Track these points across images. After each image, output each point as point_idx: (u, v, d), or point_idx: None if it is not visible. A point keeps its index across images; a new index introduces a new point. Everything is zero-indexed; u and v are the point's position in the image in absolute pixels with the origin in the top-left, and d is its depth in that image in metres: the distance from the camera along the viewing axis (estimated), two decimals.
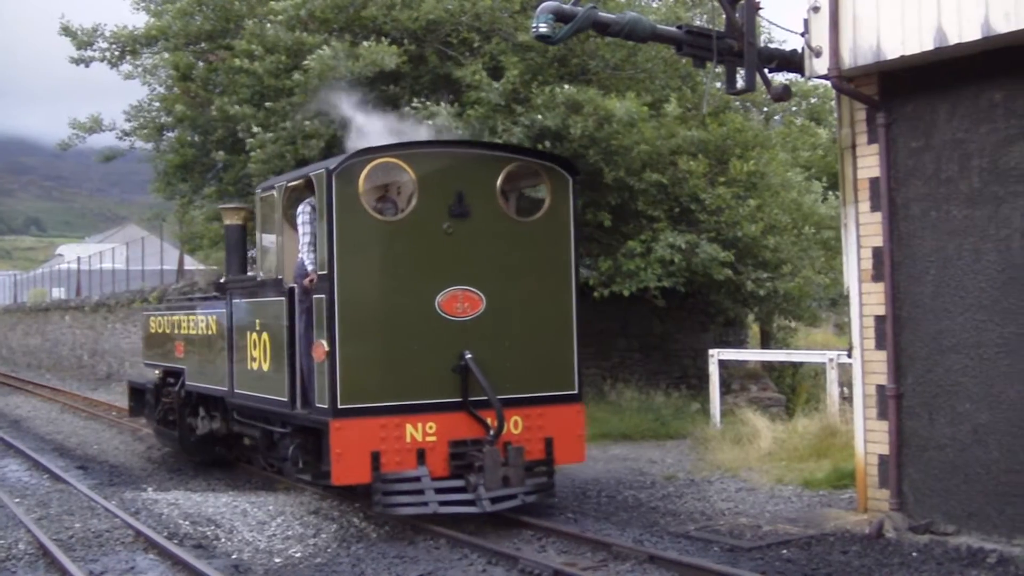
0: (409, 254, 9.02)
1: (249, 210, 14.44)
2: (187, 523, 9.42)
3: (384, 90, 14.42)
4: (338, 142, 13.36)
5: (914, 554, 7.79)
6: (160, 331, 13.75)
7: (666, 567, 7.60)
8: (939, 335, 8.22)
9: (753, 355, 16.92)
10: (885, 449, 8.56)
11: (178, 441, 13.14)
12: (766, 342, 20.72)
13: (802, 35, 8.79)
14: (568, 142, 13.82)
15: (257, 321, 10.22)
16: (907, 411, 8.44)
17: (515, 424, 9.27)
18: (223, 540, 8.89)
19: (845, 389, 11.95)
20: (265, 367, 10.05)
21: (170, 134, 18.62)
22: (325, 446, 9.15)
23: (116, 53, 18.02)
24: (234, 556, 8.40)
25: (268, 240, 10.24)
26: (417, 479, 8.86)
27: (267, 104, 14.61)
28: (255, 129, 14.46)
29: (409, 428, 8.92)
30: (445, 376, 9.06)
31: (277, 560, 8.29)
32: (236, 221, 13.81)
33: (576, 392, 9.66)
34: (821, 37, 8.54)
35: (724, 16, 8.74)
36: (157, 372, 14.12)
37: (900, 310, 8.48)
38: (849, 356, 9.08)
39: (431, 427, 8.99)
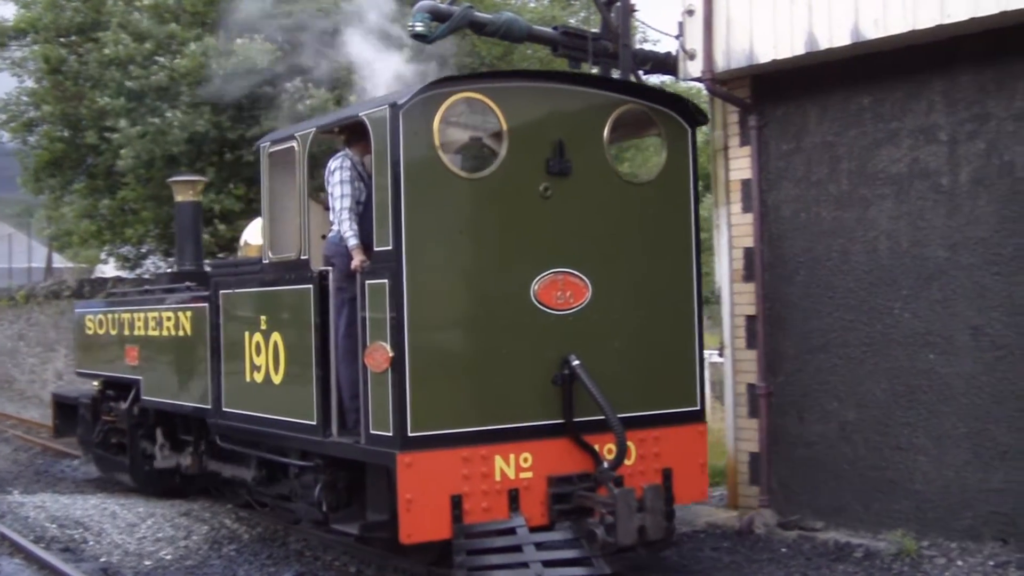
0: (498, 224, 6.65)
1: (205, 183, 11.96)
2: (55, 526, 9.19)
3: (260, 89, 14.00)
4: (204, 137, 13.52)
5: (783, 549, 7.86)
6: (102, 332, 10.97)
7: None
8: (808, 335, 8.39)
9: None
10: (756, 447, 8.74)
11: (128, 470, 10.42)
12: None
13: (676, 37, 8.90)
14: None
15: (263, 318, 7.67)
16: (777, 409, 8.60)
17: (627, 452, 6.98)
18: (92, 543, 8.74)
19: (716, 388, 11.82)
20: (276, 378, 7.52)
21: (40, 128, 17.73)
22: (373, 488, 6.79)
23: None
24: (103, 559, 8.27)
25: (280, 209, 7.70)
26: (512, 531, 6.50)
27: (128, 83, 14.35)
28: (122, 123, 14.14)
29: (499, 461, 6.54)
30: (542, 389, 6.72)
31: (147, 563, 8.17)
32: (189, 197, 11.34)
33: (699, 408, 7.41)
34: (695, 40, 8.64)
35: (600, 17, 8.82)
36: (96, 384, 11.34)
37: (771, 310, 8.62)
38: (720, 355, 9.20)
39: (526, 459, 6.63)
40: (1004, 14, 6.92)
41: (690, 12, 8.64)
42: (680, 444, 7.20)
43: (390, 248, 6.31)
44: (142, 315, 9.92)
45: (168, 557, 8.32)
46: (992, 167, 7.39)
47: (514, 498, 6.56)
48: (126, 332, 10.28)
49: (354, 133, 7.30)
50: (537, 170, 6.73)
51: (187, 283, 9.51)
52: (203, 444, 9.43)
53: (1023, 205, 7.24)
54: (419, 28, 6.91)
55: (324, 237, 7.42)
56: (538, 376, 6.71)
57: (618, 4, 8.95)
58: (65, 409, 12.26)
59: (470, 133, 7.44)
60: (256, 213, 14.44)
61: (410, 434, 6.27)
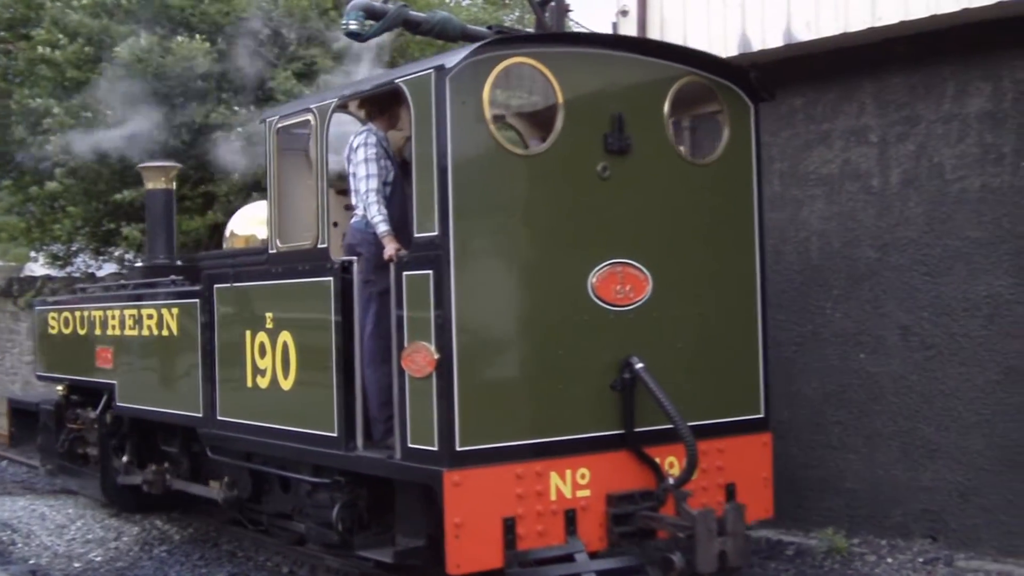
0: (553, 208, 5.84)
1: (179, 169, 10.98)
2: None
3: (193, 84, 13.47)
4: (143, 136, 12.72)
5: None
6: (68, 332, 9.93)
7: None
8: None
9: None
10: None
11: (99, 484, 9.41)
12: None
13: None
14: None
15: (269, 315, 6.77)
16: None
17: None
18: (20, 545, 8.68)
19: None
20: (285, 384, 6.62)
21: None
22: (404, 509, 5.98)
23: None
24: (32, 561, 8.20)
25: (290, 192, 6.81)
26: (570, 558, 5.69)
27: (67, 81, 13.83)
28: (55, 110, 13.50)
29: (554, 479, 5.72)
30: (599, 396, 5.92)
31: (76, 565, 8.10)
32: (161, 185, 10.36)
33: (763, 416, 6.67)
34: None
35: (535, 17, 8.58)
36: (60, 388, 10.29)
37: None
38: None
39: (583, 475, 5.83)
40: (933, 17, 6.99)
41: (624, 13, 8.73)
42: (744, 456, 6.45)
43: (435, 235, 5.46)
44: (117, 312, 8.92)
45: (98, 559, 8.28)
46: (922, 169, 7.49)
47: (571, 520, 5.75)
48: (97, 332, 9.26)
49: (374, 105, 6.45)
50: (594, 147, 5.93)
51: (172, 277, 8.54)
52: (186, 458, 8.50)
53: (952, 207, 7.33)
54: (353, 26, 6.78)
55: (335, 224, 6.58)
56: (595, 381, 5.91)
57: (552, 4, 8.64)
58: (22, 416, 11.18)
59: (516, 104, 6.62)
60: (187, 210, 14.26)
61: (458, 448, 5.43)
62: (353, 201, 6.30)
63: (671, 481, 5.96)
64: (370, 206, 6.03)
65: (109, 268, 17.53)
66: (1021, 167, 7.05)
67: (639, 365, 5.89)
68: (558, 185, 5.82)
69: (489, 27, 7.46)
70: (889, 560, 7.23)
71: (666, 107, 6.22)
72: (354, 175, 6.22)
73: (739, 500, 6.35)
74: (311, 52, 13.61)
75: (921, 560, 7.17)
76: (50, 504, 9.89)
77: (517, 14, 18.32)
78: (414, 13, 7.01)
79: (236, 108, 12.99)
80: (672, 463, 6.12)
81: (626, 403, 5.94)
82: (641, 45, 6.10)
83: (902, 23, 7.15)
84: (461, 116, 5.48)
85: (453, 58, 5.45)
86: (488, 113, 5.56)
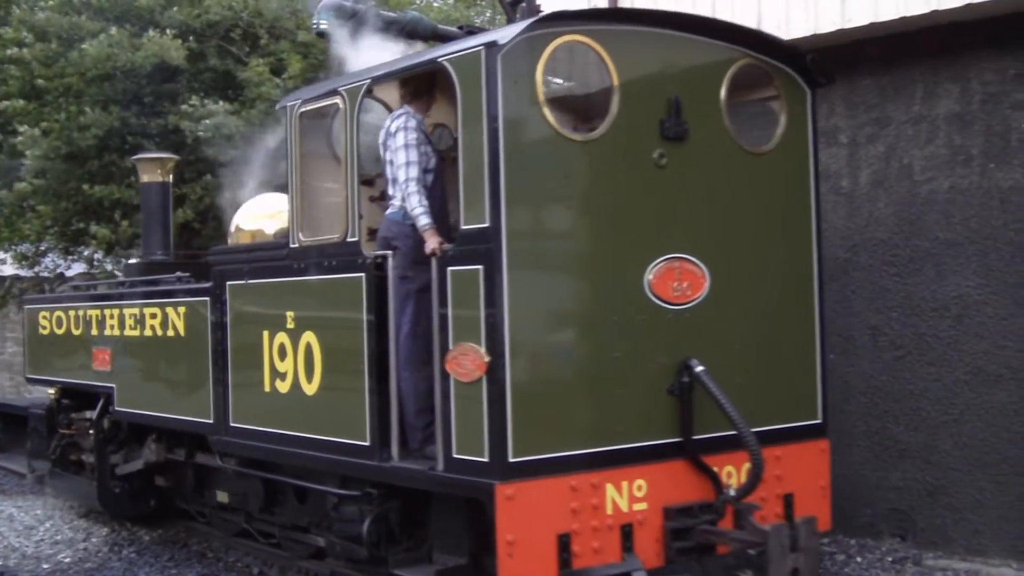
0: (608, 197, 5.41)
1: (175, 161, 10.51)
2: None
3: (164, 83, 13.57)
4: (116, 132, 13.09)
5: None
6: (61, 333, 9.39)
7: None
8: None
9: None
10: None
11: (96, 491, 8.87)
12: None
13: None
14: None
15: (290, 314, 6.29)
16: None
17: (746, 474, 5.79)
18: None
19: None
20: (309, 389, 6.15)
21: None
22: (443, 524, 5.54)
23: None
24: None
25: (314, 181, 6.34)
26: None
27: (38, 81, 13.53)
28: (22, 128, 13.24)
29: (611, 491, 5.29)
30: (655, 401, 5.50)
31: (45, 566, 8.09)
32: (157, 177, 9.89)
33: (820, 422, 6.27)
34: None
35: (506, 17, 7.93)
36: (51, 392, 9.76)
37: None
38: None
39: (640, 487, 5.39)
40: (903, 19, 6.95)
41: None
42: (802, 464, 6.04)
43: (486, 226, 5.00)
44: (116, 312, 8.40)
45: (67, 560, 8.27)
46: (891, 170, 7.53)
47: (627, 535, 5.32)
48: (94, 332, 8.74)
49: (408, 87, 5.99)
50: (650, 133, 5.50)
51: (178, 273, 8.04)
52: (191, 468, 8.02)
53: (921, 208, 7.36)
54: (323, 26, 6.77)
55: (361, 216, 6.13)
56: (651, 385, 5.48)
57: (523, 4, 8.24)
58: (10, 420, 10.62)
59: (565, 85, 6.18)
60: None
61: (511, 459, 4.98)
62: (390, 191, 5.84)
63: (732, 492, 5.55)
64: (410, 196, 5.57)
65: (78, 268, 17.30)
66: (989, 168, 7.09)
67: (699, 368, 5.47)
68: (613, 173, 5.39)
69: (460, 27, 7.41)
70: (859, 559, 7.27)
71: (723, 91, 5.80)
72: (391, 162, 5.76)
73: (797, 511, 5.96)
74: (279, 47, 13.61)
75: (890, 559, 7.22)
76: (18, 505, 9.78)
77: (489, 14, 18.24)
78: (384, 13, 6.99)
79: (207, 102, 12.92)
80: (730, 473, 5.71)
81: (684, 409, 5.52)
82: (699, 24, 5.67)
83: (871, 24, 7.17)
84: (513, 97, 5.03)
85: (505, 34, 5.01)
86: (541, 94, 5.11)
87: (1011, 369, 7.02)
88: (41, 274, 16.93)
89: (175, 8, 13.46)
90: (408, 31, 6.95)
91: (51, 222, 15.16)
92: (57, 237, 15.74)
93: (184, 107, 13.01)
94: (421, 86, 5.94)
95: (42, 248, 16.57)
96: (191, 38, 13.60)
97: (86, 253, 15.86)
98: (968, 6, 6.73)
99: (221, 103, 13.07)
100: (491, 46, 4.97)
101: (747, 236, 5.88)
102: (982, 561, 7.04)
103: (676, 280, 5.55)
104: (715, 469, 5.62)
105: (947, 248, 7.27)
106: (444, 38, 6.74)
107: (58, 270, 17.11)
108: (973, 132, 7.18)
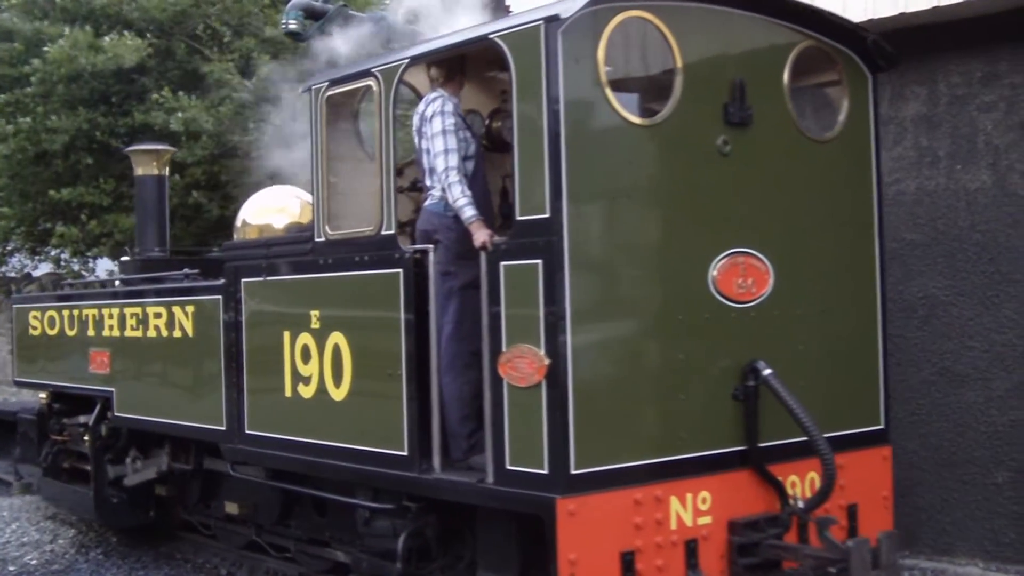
0: (671, 186, 5.01)
1: (171, 153, 10.03)
2: None
3: (132, 81, 13.66)
4: (83, 135, 13.12)
5: None
6: (54, 333, 8.88)
7: None
8: None
9: None
10: None
11: (92, 501, 8.37)
12: None
13: None
14: None
15: (315, 313, 5.84)
16: None
17: (810, 484, 5.44)
18: None
19: None
20: (337, 394, 5.71)
21: None
22: (488, 540, 5.14)
23: None
24: None
25: (342, 170, 5.90)
26: None
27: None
28: None
29: (675, 504, 4.89)
30: (719, 407, 5.11)
31: (11, 568, 8.14)
32: (152, 170, 9.40)
33: (883, 427, 5.90)
34: None
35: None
36: (43, 396, 9.24)
37: None
38: None
39: (704, 500, 5.00)
40: (871, 21, 6.79)
41: None
42: (865, 473, 5.66)
43: (545, 216, 4.59)
44: (115, 311, 7.92)
45: (33, 562, 8.27)
46: None
47: (692, 551, 4.92)
48: (91, 333, 8.24)
49: (443, 68, 5.57)
50: (714, 118, 5.11)
51: (187, 270, 7.57)
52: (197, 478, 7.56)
53: (888, 209, 6.95)
54: (292, 26, 6.83)
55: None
56: (714, 390, 5.09)
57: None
58: None
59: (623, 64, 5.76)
60: (126, 208, 13.62)
61: (574, 472, 4.57)
62: (427, 181, 5.41)
63: (800, 504, 5.17)
64: (452, 186, 5.14)
65: (45, 268, 17.07)
66: (956, 170, 7.06)
67: (767, 371, 5.08)
68: (676, 161, 5.00)
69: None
70: None
71: (786, 75, 5.42)
72: (427, 150, 5.33)
73: (861, 523, 5.59)
74: (245, 43, 13.66)
75: None
76: None
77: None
78: (354, 12, 6.99)
79: (181, 94, 13.00)
80: (794, 483, 5.33)
81: (749, 415, 5.13)
82: (762, 3, 5.29)
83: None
84: (574, 77, 4.62)
85: (566, 7, 4.58)
86: (604, 74, 4.71)
87: (978, 369, 7.05)
88: (8, 274, 16.86)
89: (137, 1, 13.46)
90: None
91: (16, 223, 15.15)
92: (24, 237, 15.70)
93: (155, 96, 13.01)
94: (454, 67, 5.52)
95: (8, 248, 16.41)
96: (149, 34, 13.58)
97: (53, 253, 15.71)
98: (935, 9, 6.72)
99: (193, 98, 13.10)
100: (551, 20, 4.55)
101: (809, 229, 5.50)
102: (948, 560, 7.09)
103: (740, 276, 5.16)
104: (779, 479, 5.24)
105: (914, 249, 7.26)
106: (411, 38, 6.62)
107: (25, 270, 17.08)
108: (940, 134, 7.19)
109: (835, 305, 5.61)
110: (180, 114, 12.81)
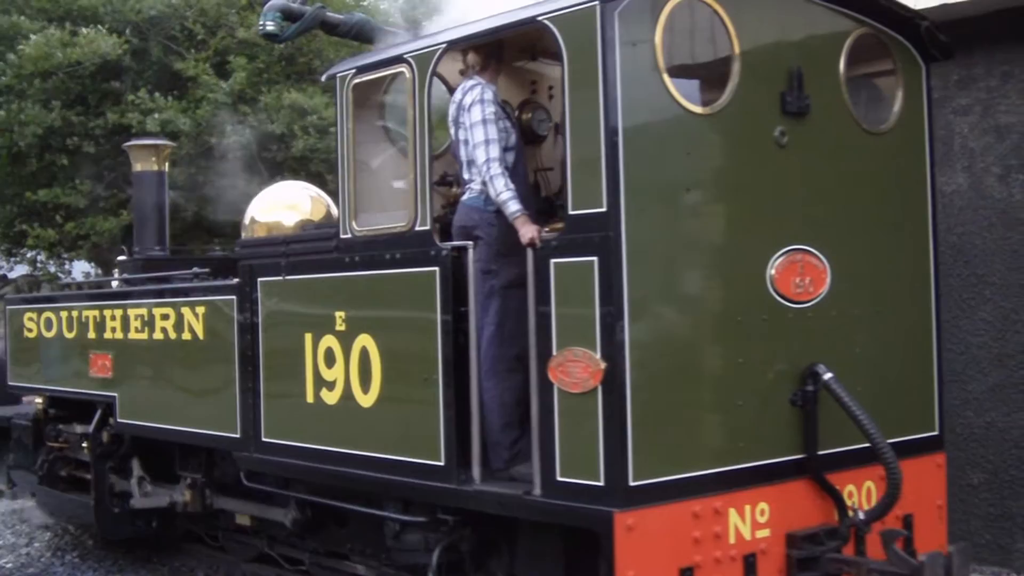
0: (730, 179, 4.73)
1: (171, 148, 9.71)
2: None
3: (108, 83, 13.67)
4: (58, 132, 13.06)
5: None
6: (50, 336, 8.50)
7: None
8: None
9: None
10: None
11: (93, 511, 8.01)
12: None
13: None
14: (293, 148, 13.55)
15: (341, 315, 5.52)
16: None
17: (867, 494, 5.17)
18: None
19: None
20: (365, 400, 5.39)
21: None
22: (530, 555, 4.87)
23: None
24: None
25: (370, 162, 5.59)
26: None
27: None
28: None
29: (733, 517, 4.61)
30: (775, 413, 4.83)
31: None
32: (151, 166, 9.09)
33: (937, 433, 5.64)
34: None
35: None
36: (38, 401, 8.86)
37: None
38: None
39: (762, 511, 4.72)
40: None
41: None
42: (920, 482, 5.39)
43: (602, 211, 4.29)
44: (118, 312, 7.56)
45: (8, 566, 8.29)
46: None
47: (751, 566, 4.64)
48: (91, 335, 7.87)
49: (480, 53, 5.27)
50: (771, 108, 4.83)
51: (196, 269, 7.23)
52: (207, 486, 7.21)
53: None
54: (270, 27, 6.69)
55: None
56: (771, 395, 4.81)
57: None
58: None
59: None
60: (103, 210, 13.45)
61: (632, 483, 4.28)
62: (465, 174, 5.10)
63: (861, 516, 4.90)
64: (495, 179, 4.83)
65: (22, 270, 16.63)
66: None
67: (828, 375, 4.80)
68: (735, 152, 4.72)
69: (407, 29, 7.18)
70: None
71: (842, 63, 5.15)
72: (465, 141, 5.03)
73: (916, 534, 5.33)
74: (223, 42, 13.67)
75: None
76: None
77: (435, 17, 17.94)
78: (331, 14, 6.99)
79: (157, 95, 12.97)
80: (851, 492, 5.06)
81: (808, 421, 4.85)
82: None
83: None
84: (631, 62, 4.33)
85: None
86: (662, 60, 4.42)
87: (953, 372, 7.01)
88: None
89: (113, 1, 13.47)
90: (354, 34, 6.91)
91: None
92: None
93: (131, 97, 12.96)
94: (492, 54, 5.22)
95: None
96: (127, 32, 13.53)
97: (29, 255, 15.29)
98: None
99: (170, 99, 13.09)
100: (608, 1, 4.26)
101: (864, 226, 5.23)
102: None
103: (798, 275, 4.88)
104: (837, 489, 4.97)
105: None
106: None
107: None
108: None
109: (890, 305, 5.34)
110: (156, 115, 12.73)
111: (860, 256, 5.18)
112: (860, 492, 5.10)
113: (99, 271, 15.63)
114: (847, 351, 5.08)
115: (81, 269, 16.99)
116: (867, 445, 4.92)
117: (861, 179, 5.21)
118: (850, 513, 4.93)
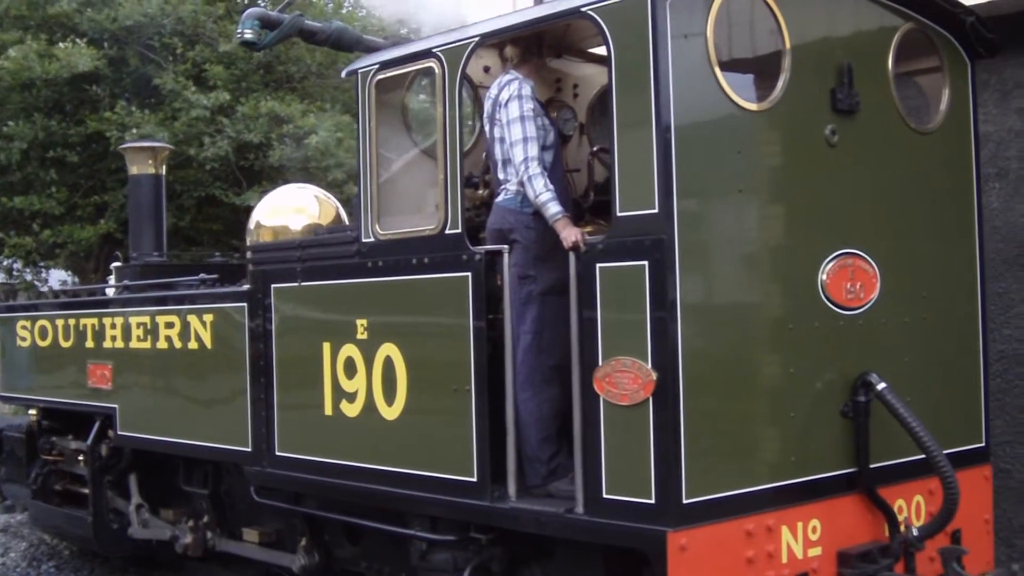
0: (782, 180, 4.51)
1: (169, 150, 9.44)
2: None
3: (86, 90, 13.55)
4: (40, 143, 13.02)
5: None
6: (46, 345, 8.18)
7: None
8: None
9: None
10: None
11: (91, 527, 7.70)
12: None
13: None
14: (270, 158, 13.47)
15: (362, 322, 5.26)
16: None
17: (916, 508, 4.96)
18: None
19: None
20: (389, 412, 5.13)
21: None
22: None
23: None
24: None
25: (395, 162, 5.33)
26: None
27: None
28: None
29: (786, 535, 4.38)
30: (826, 425, 4.61)
31: None
32: (148, 169, 8.82)
33: (984, 445, 5.43)
34: None
35: None
36: (32, 412, 8.54)
37: None
38: None
39: (815, 528, 4.49)
40: None
41: None
42: (968, 495, 5.14)
43: (653, 212, 4.05)
44: (119, 320, 7.26)
45: None
46: None
47: None
48: (90, 344, 7.57)
49: (517, 47, 5.03)
50: (821, 105, 4.62)
51: (203, 275, 6.94)
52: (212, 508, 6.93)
53: None
54: (248, 35, 6.60)
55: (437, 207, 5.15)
56: (822, 406, 4.59)
57: None
58: None
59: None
60: (80, 219, 13.22)
61: (686, 502, 4.04)
62: (500, 174, 4.85)
63: (915, 532, 4.68)
64: (534, 179, 4.58)
65: None
66: None
67: (881, 385, 4.58)
68: (786, 151, 4.50)
69: (385, 38, 7.00)
70: None
71: (890, 59, 4.94)
72: (501, 139, 4.78)
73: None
74: (200, 53, 13.55)
75: None
76: None
77: (415, 26, 17.91)
78: (310, 22, 6.91)
79: (134, 109, 12.94)
80: (900, 507, 4.85)
81: (859, 433, 4.63)
82: None
83: None
84: (682, 55, 4.10)
85: None
86: (714, 54, 4.19)
87: None
88: None
89: (89, 11, 13.26)
90: (332, 42, 6.80)
91: None
92: None
93: (107, 114, 12.92)
94: (532, 47, 4.98)
95: None
96: (106, 44, 13.49)
97: (5, 263, 15.36)
98: None
99: (147, 111, 13.09)
100: None
101: (913, 229, 5.03)
102: None
103: (849, 280, 4.66)
104: (891, 506, 4.75)
105: None
106: (369, 49, 6.44)
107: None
108: None
109: (938, 312, 5.13)
110: (135, 129, 12.63)
111: (908, 261, 4.97)
112: (910, 507, 4.89)
113: (76, 280, 15.37)
114: (896, 360, 4.86)
115: (58, 277, 16.70)
116: (918, 457, 4.73)
117: (909, 180, 5.01)
118: (902, 529, 4.71)
